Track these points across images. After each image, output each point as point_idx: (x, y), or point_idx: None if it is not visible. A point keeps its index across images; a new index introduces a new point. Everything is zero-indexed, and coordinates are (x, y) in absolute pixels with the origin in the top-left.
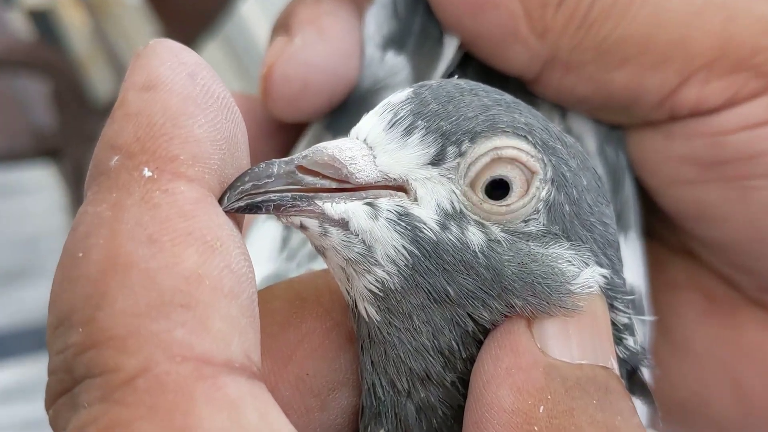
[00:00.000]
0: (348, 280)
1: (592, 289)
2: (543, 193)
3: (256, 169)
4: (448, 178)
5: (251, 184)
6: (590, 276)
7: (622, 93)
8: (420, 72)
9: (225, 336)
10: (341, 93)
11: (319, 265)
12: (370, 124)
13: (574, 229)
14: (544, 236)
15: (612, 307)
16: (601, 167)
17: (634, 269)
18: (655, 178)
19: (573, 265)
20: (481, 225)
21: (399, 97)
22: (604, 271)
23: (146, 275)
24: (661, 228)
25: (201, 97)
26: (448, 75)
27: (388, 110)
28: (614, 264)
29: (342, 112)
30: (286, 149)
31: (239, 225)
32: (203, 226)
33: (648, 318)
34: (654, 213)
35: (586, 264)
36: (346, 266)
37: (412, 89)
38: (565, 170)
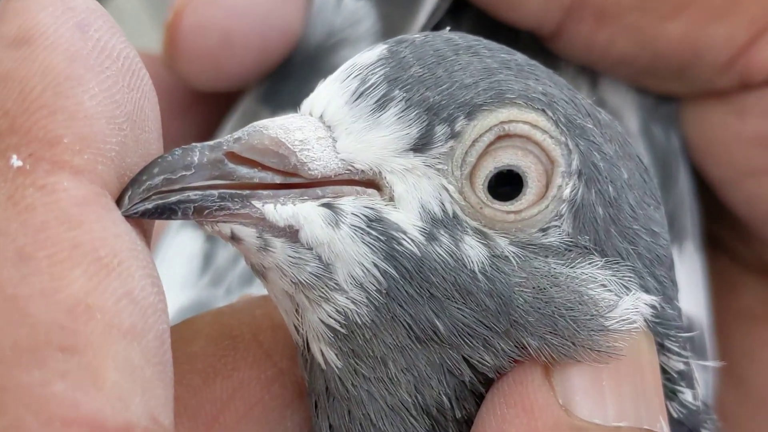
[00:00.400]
0: (297, 311)
1: (634, 325)
2: (567, 191)
3: (170, 158)
4: (437, 170)
5: (162, 177)
6: (632, 306)
7: (675, 51)
8: (391, 22)
9: (123, 391)
10: (279, 50)
11: (258, 290)
12: (329, 95)
13: (610, 241)
14: (569, 250)
15: (662, 348)
16: (645, 153)
17: (692, 295)
18: (721, 167)
19: (609, 290)
20: (482, 235)
21: (368, 57)
22: (651, 298)
23: (14, 306)
24: (729, 236)
25: (95, 57)
26: (434, 27)
27: (353, 75)
28: (666, 288)
29: (283, 77)
30: (207, 131)
31: (146, 235)
32: (95, 238)
33: (712, 364)
34: (720, 215)
35: (627, 289)
36: (294, 292)
37: (386, 46)
38: (598, 159)
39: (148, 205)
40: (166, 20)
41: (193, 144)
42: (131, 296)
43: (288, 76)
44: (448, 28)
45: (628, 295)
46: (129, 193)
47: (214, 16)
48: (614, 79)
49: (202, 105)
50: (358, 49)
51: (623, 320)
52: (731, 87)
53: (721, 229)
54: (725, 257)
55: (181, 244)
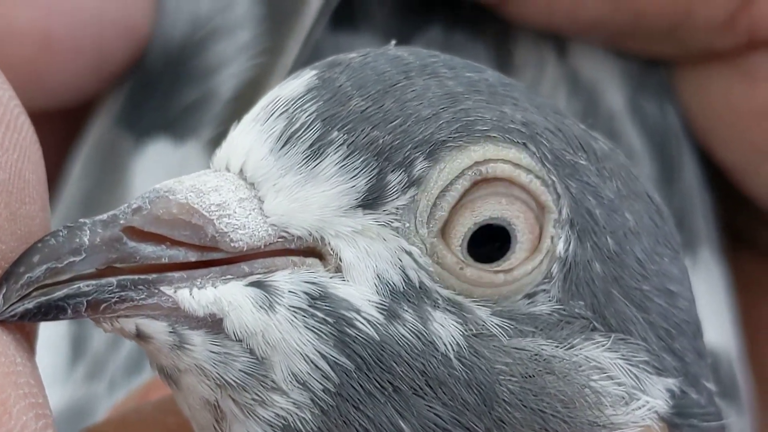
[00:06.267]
0: (219, 424)
1: (644, 423)
2: (560, 245)
3: (53, 241)
4: (394, 229)
5: (45, 267)
6: (643, 404)
7: (661, 9)
8: (277, 1)
9: None
10: (122, 52)
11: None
12: (248, 142)
13: (612, 306)
14: (565, 323)
15: None
16: (636, 137)
17: (714, 318)
18: (731, 147)
19: (617, 382)
20: (456, 306)
21: (294, 88)
22: (668, 383)
23: None
24: (757, 229)
25: None
26: (340, 5)
27: (277, 114)
28: (688, 365)
29: (143, 90)
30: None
31: (29, 339)
32: None
33: (745, 408)
34: (742, 203)
35: (637, 380)
36: (220, 398)
37: (315, 72)
38: (594, 205)
39: (29, 305)
40: None
41: (81, 220)
42: None
43: (149, 88)
44: (393, 42)
45: (640, 388)
46: (3, 291)
47: (27, 15)
48: (588, 43)
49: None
50: (236, 40)
51: (631, 424)
52: (736, 47)
53: (746, 222)
54: (755, 256)
55: (41, 326)
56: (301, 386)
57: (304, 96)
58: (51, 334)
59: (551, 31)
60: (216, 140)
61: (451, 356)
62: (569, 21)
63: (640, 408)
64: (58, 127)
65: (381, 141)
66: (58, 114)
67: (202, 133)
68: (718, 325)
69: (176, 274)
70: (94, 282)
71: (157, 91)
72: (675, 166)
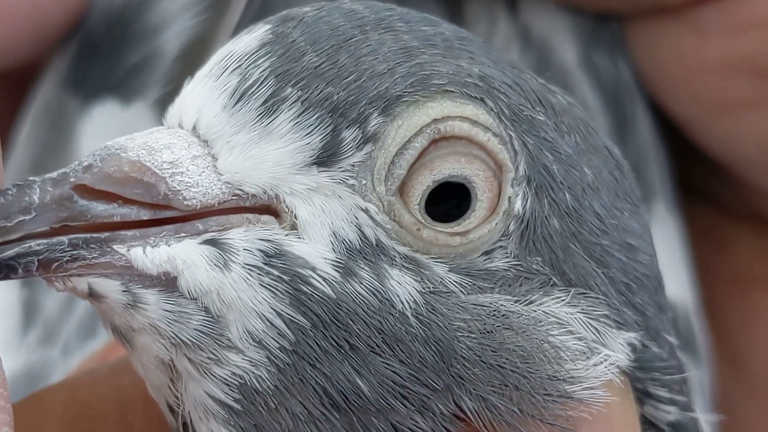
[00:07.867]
0: (174, 384)
1: (605, 377)
2: (518, 203)
3: (1, 199)
4: (350, 186)
5: None
6: (604, 358)
7: None
8: None
9: None
10: (64, 17)
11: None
12: (200, 98)
13: (571, 260)
14: (523, 278)
15: (647, 396)
16: (590, 91)
17: (670, 271)
18: (683, 101)
19: (577, 336)
20: (414, 263)
21: (247, 43)
22: (629, 337)
23: None
24: (711, 182)
25: None
26: None
27: (230, 70)
28: (649, 319)
29: (87, 52)
30: None
31: None
32: None
33: (704, 416)
34: (697, 156)
35: (597, 333)
36: (175, 357)
37: (269, 27)
38: (551, 160)
39: None
40: None
41: (31, 178)
42: None
43: (93, 49)
44: None
45: (600, 342)
46: None
47: None
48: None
49: None
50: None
51: (592, 386)
52: (685, 1)
53: (700, 173)
54: (710, 208)
55: None
56: (257, 344)
57: (257, 51)
58: (2, 299)
59: None
60: (163, 100)
61: (408, 314)
62: None
63: (601, 362)
64: (9, 91)
65: (335, 97)
66: (8, 77)
67: (149, 93)
68: (674, 278)
69: (129, 233)
70: (45, 241)
71: (101, 52)
72: (628, 119)
